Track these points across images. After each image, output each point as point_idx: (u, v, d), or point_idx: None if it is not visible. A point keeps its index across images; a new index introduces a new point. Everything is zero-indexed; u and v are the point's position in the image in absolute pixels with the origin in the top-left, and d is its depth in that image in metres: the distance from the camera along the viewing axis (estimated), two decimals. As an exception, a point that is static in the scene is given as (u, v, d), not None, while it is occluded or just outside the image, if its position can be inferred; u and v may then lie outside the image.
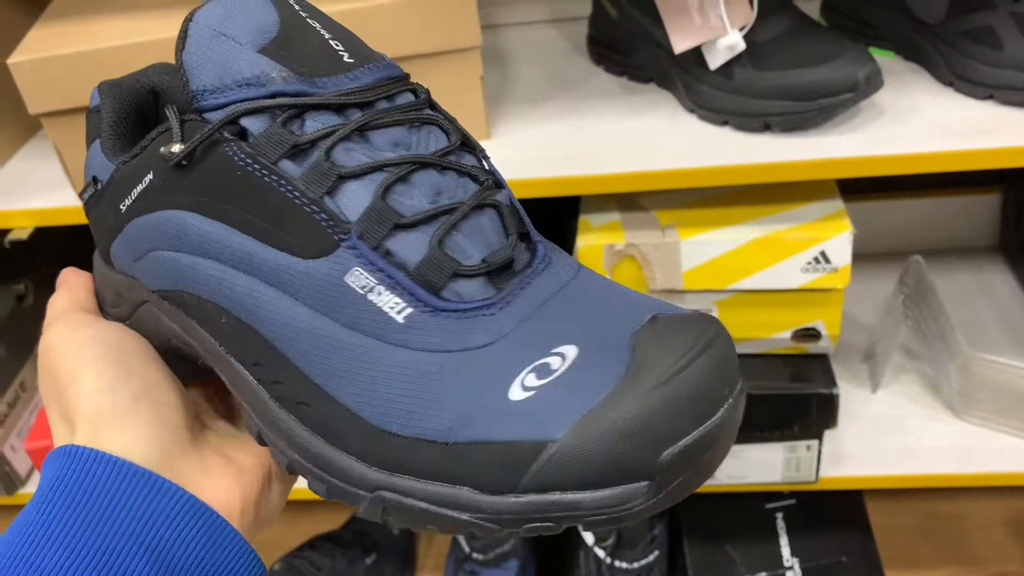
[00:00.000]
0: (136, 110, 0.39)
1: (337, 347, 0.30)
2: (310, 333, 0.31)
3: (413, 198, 0.31)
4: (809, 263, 0.73)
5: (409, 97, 0.34)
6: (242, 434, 0.38)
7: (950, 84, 0.74)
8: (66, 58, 0.66)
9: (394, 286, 0.30)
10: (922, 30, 0.76)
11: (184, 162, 0.33)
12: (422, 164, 0.32)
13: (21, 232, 0.77)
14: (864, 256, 1.07)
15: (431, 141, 0.33)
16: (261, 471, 0.36)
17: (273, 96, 0.32)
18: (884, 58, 0.80)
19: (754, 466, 0.86)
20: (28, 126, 0.86)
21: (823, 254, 0.73)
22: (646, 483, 0.27)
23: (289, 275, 0.31)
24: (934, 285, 0.90)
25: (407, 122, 0.33)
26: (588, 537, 0.98)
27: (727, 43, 0.69)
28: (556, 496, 0.27)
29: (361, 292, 0.30)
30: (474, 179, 0.33)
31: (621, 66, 0.82)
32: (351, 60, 0.33)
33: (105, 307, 0.40)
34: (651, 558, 0.97)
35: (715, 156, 0.69)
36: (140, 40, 0.66)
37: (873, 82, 0.68)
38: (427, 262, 0.30)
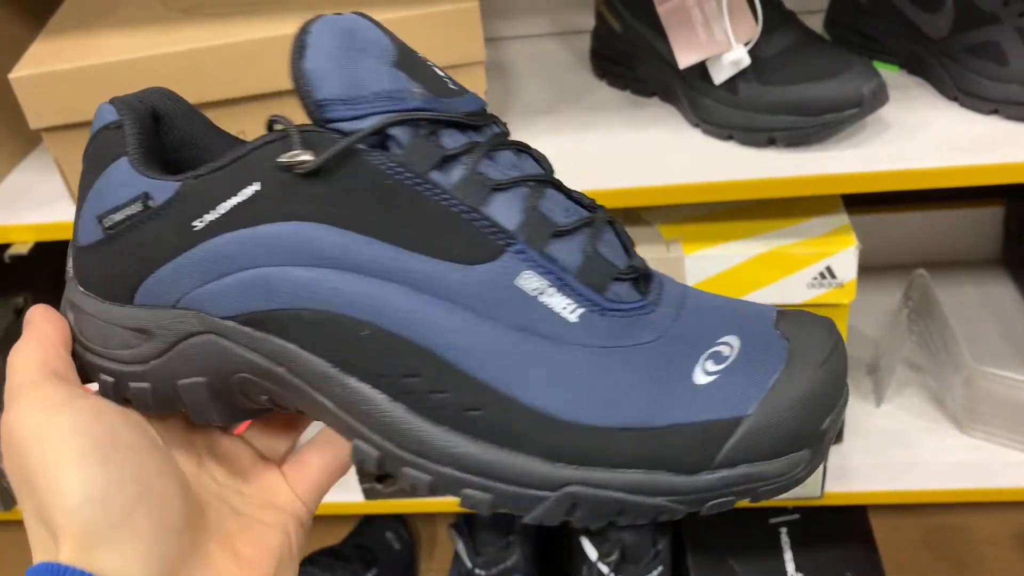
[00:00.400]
0: (151, 128, 0.38)
1: (510, 348, 0.31)
2: (478, 337, 0.31)
3: (554, 212, 0.33)
4: (815, 278, 0.73)
5: (496, 127, 0.35)
6: (246, 512, 0.37)
7: (955, 99, 0.74)
8: (68, 73, 0.66)
9: (564, 288, 0.32)
10: (927, 45, 0.76)
11: (314, 172, 0.32)
12: (551, 183, 0.34)
13: (21, 247, 0.76)
14: (867, 269, 1.07)
15: (531, 166, 0.35)
16: (271, 560, 0.35)
17: (416, 110, 0.32)
18: (888, 72, 0.80)
19: (758, 481, 0.85)
20: (28, 140, 0.85)
21: (829, 269, 0.73)
22: (807, 451, 0.31)
23: (447, 282, 0.31)
24: (938, 298, 0.90)
25: (513, 147, 0.34)
26: (591, 552, 0.97)
27: (732, 58, 0.69)
28: (744, 469, 0.30)
29: (532, 295, 0.31)
30: (576, 201, 0.35)
31: (624, 80, 0.82)
32: (455, 87, 0.35)
33: (89, 353, 0.36)
34: (655, 573, 0.97)
35: (720, 171, 0.69)
36: (142, 55, 0.66)
37: (879, 97, 0.68)
38: (588, 266, 0.32)
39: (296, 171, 0.32)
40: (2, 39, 0.82)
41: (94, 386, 0.37)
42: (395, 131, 0.32)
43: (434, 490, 0.32)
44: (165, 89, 0.38)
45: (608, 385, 0.31)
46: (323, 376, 0.33)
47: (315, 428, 0.40)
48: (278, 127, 0.33)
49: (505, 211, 0.32)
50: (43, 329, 0.35)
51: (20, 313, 0.92)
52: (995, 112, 0.72)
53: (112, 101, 0.36)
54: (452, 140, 0.33)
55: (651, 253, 0.74)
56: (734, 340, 0.32)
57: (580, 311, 0.32)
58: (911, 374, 0.95)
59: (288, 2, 0.70)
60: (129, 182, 0.34)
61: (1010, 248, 1.06)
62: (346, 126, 0.32)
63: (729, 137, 0.72)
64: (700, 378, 0.31)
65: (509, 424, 0.31)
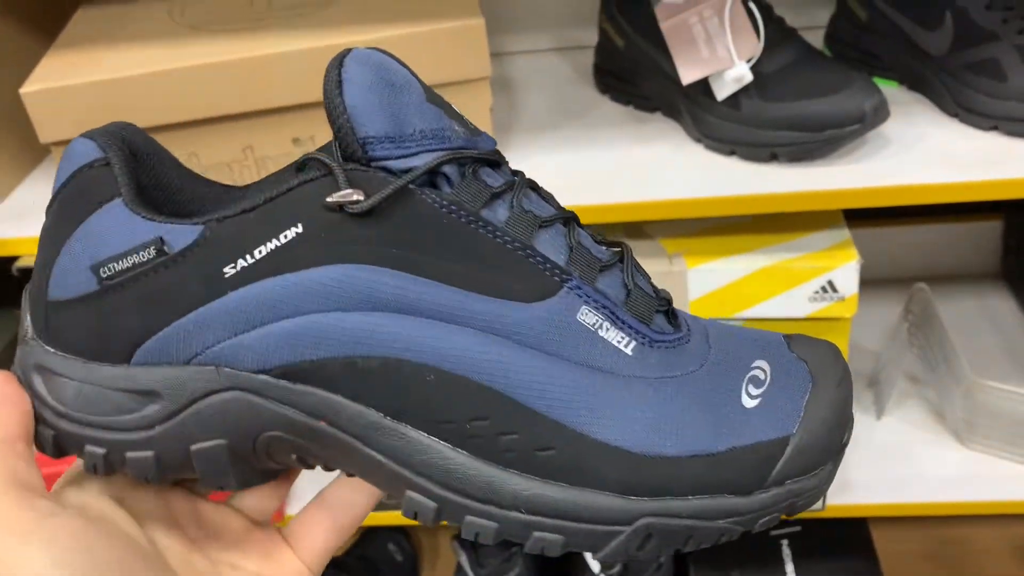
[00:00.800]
0: (135, 166, 0.34)
1: (577, 385, 0.31)
2: (546, 375, 0.31)
3: (590, 246, 0.33)
4: (816, 292, 0.74)
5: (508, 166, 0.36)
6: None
7: (955, 115, 0.75)
8: (78, 88, 0.67)
9: (616, 321, 0.32)
10: (927, 61, 0.77)
11: (366, 212, 0.30)
12: (576, 218, 0.34)
13: (29, 260, 0.77)
14: (867, 282, 1.07)
15: (547, 203, 0.35)
16: None
17: (460, 148, 0.32)
18: (888, 88, 0.80)
19: (760, 494, 0.86)
20: (35, 154, 0.86)
21: (830, 283, 0.73)
22: (831, 464, 0.33)
23: (510, 321, 0.31)
24: (938, 312, 0.90)
25: (532, 185, 0.35)
26: (594, 564, 0.97)
27: (734, 75, 0.70)
28: (790, 485, 0.32)
29: (592, 330, 0.32)
30: (592, 236, 0.35)
31: (627, 95, 0.83)
32: (472, 126, 0.34)
33: (68, 422, 0.32)
34: (656, 585, 0.97)
35: (722, 186, 0.70)
36: (151, 71, 0.66)
37: (880, 113, 0.69)
38: (634, 299, 0.33)
39: (347, 211, 0.30)
40: (11, 54, 0.83)
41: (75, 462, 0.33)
42: (446, 169, 0.31)
43: (499, 536, 0.31)
44: (130, 124, 0.35)
45: (671, 415, 0.31)
46: (373, 427, 0.31)
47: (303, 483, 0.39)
48: (307, 162, 0.32)
49: (552, 247, 0.32)
50: (3, 412, 0.30)
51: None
52: (995, 128, 0.72)
53: (90, 136, 0.33)
54: (491, 178, 0.33)
55: (654, 267, 0.75)
56: (764, 364, 0.34)
57: (632, 344, 0.32)
58: (911, 387, 0.96)
59: (295, 19, 0.71)
60: (130, 226, 0.31)
61: (1009, 262, 1.07)
62: (393, 164, 0.31)
63: (732, 152, 0.73)
64: (747, 402, 0.32)
65: (582, 461, 0.30)
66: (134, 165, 0.33)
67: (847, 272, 0.73)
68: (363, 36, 0.65)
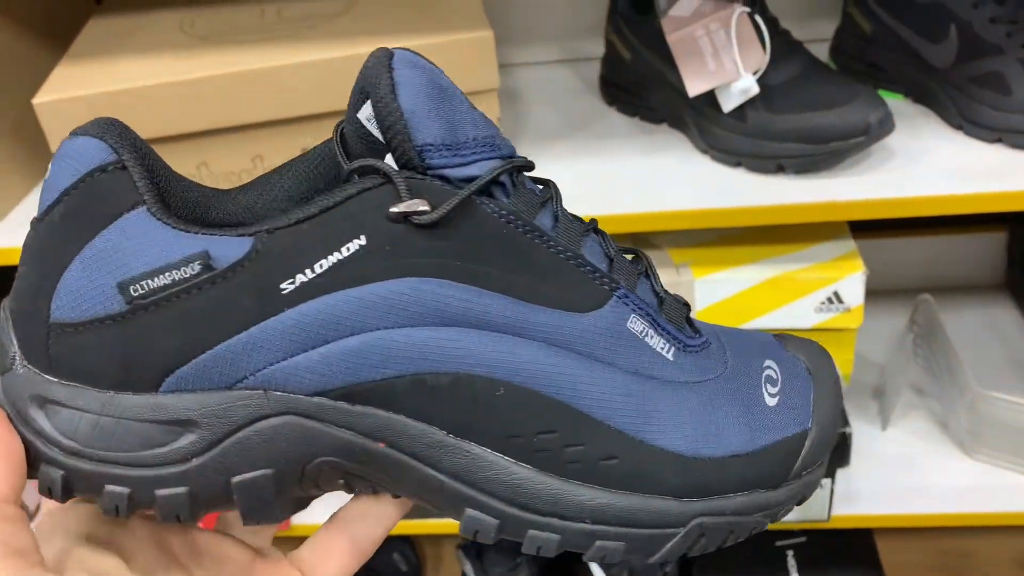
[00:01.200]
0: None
1: (632, 392, 0.31)
2: (606, 384, 0.31)
3: (620, 255, 0.34)
4: (822, 303, 0.74)
5: None
6: None
7: (959, 128, 0.75)
8: (90, 98, 0.67)
9: (658, 328, 0.33)
10: (932, 74, 0.77)
11: (433, 223, 0.29)
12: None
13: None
14: (871, 293, 1.07)
15: None
16: None
17: (510, 156, 0.31)
18: (893, 100, 0.81)
19: (766, 504, 0.86)
20: (44, 164, 0.86)
21: (836, 294, 0.73)
22: (827, 455, 0.34)
23: (569, 331, 0.31)
24: (943, 323, 0.90)
25: None
26: (599, 573, 0.97)
27: (741, 87, 0.70)
28: (807, 477, 0.34)
29: (640, 337, 0.32)
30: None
31: (634, 107, 0.83)
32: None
33: (82, 460, 0.28)
34: (661, 596, 0.97)
35: (729, 197, 0.70)
36: (162, 81, 0.67)
37: (885, 126, 0.69)
38: (668, 306, 0.34)
39: (411, 222, 0.29)
40: (21, 64, 0.83)
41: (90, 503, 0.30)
42: (502, 178, 0.31)
43: (560, 548, 0.31)
44: (118, 121, 0.31)
45: (713, 418, 0.32)
46: (437, 445, 0.30)
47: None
48: (359, 169, 0.30)
49: (595, 255, 0.32)
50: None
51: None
52: (999, 141, 0.73)
53: (97, 135, 0.29)
54: (532, 186, 0.32)
55: (661, 277, 0.75)
56: (773, 364, 0.35)
57: (673, 350, 0.33)
58: (916, 398, 0.96)
59: (306, 30, 0.71)
60: (163, 238, 0.28)
61: (1013, 273, 1.07)
62: (451, 173, 0.29)
63: (738, 164, 0.73)
64: (769, 400, 0.34)
65: (644, 468, 0.31)
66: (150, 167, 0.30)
67: (853, 283, 0.73)
68: (373, 47, 0.65)
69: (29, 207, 0.82)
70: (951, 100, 0.76)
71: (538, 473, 0.30)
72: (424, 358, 0.29)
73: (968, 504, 0.85)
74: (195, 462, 0.28)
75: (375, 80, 0.29)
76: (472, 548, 1.05)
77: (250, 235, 0.28)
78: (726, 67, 0.71)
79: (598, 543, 0.31)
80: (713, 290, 0.75)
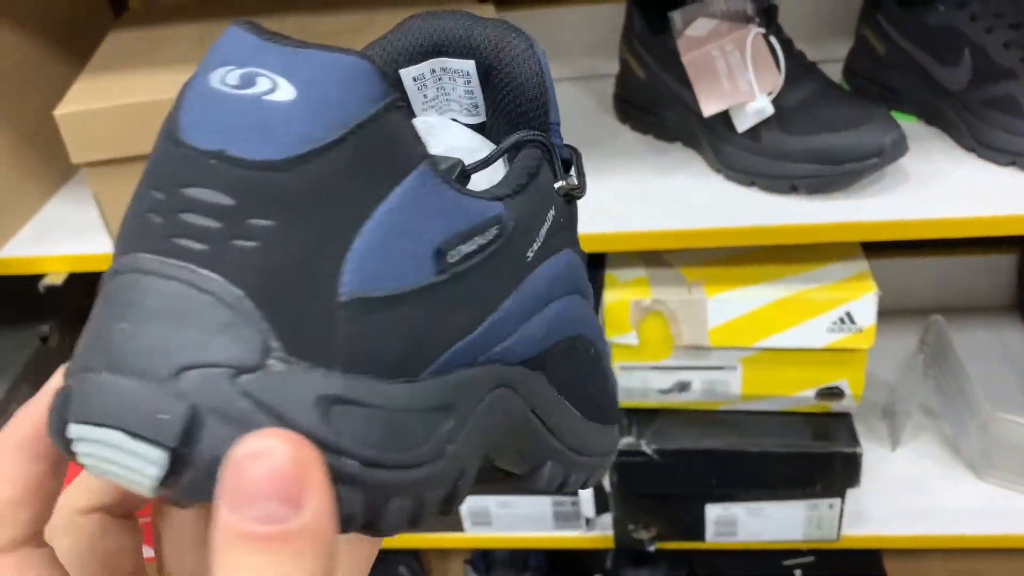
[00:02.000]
0: None
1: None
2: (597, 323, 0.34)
3: None
4: (835, 323, 0.74)
5: None
6: None
7: (972, 150, 0.76)
8: (110, 111, 0.68)
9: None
10: (945, 97, 0.78)
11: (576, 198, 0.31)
12: None
13: (55, 278, 0.78)
14: (882, 313, 1.07)
15: None
16: None
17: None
18: (907, 123, 0.81)
19: (776, 523, 0.86)
20: (61, 173, 0.87)
21: (848, 315, 0.74)
22: None
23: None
24: (954, 344, 0.91)
25: None
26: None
27: (756, 107, 0.71)
28: None
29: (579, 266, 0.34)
30: None
31: (648, 125, 0.84)
32: None
33: (379, 470, 0.22)
34: (668, 613, 0.97)
35: (742, 216, 0.71)
36: (183, 95, 0.67)
37: (899, 148, 0.70)
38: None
39: (569, 195, 0.30)
40: (39, 76, 0.84)
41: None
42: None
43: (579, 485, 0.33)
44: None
45: None
46: (553, 403, 0.30)
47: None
48: (529, 140, 0.29)
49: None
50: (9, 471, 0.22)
51: (45, 340, 0.94)
52: (1012, 164, 0.73)
53: (369, 60, 0.23)
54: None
55: (673, 295, 0.76)
56: None
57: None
58: (927, 419, 0.96)
59: (328, 44, 0.72)
60: (452, 198, 0.23)
61: (1023, 295, 1.07)
62: (562, 152, 0.30)
63: (752, 183, 0.74)
64: None
65: (613, 401, 0.36)
66: None
67: (865, 304, 0.73)
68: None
69: (45, 218, 0.82)
70: (964, 123, 0.76)
71: (590, 423, 0.33)
72: (572, 324, 0.30)
73: (978, 526, 0.85)
74: (449, 451, 0.23)
75: (514, 50, 0.29)
76: (480, 562, 1.05)
77: (501, 199, 0.26)
78: (741, 88, 0.71)
79: (597, 472, 0.33)
80: (725, 309, 0.75)
